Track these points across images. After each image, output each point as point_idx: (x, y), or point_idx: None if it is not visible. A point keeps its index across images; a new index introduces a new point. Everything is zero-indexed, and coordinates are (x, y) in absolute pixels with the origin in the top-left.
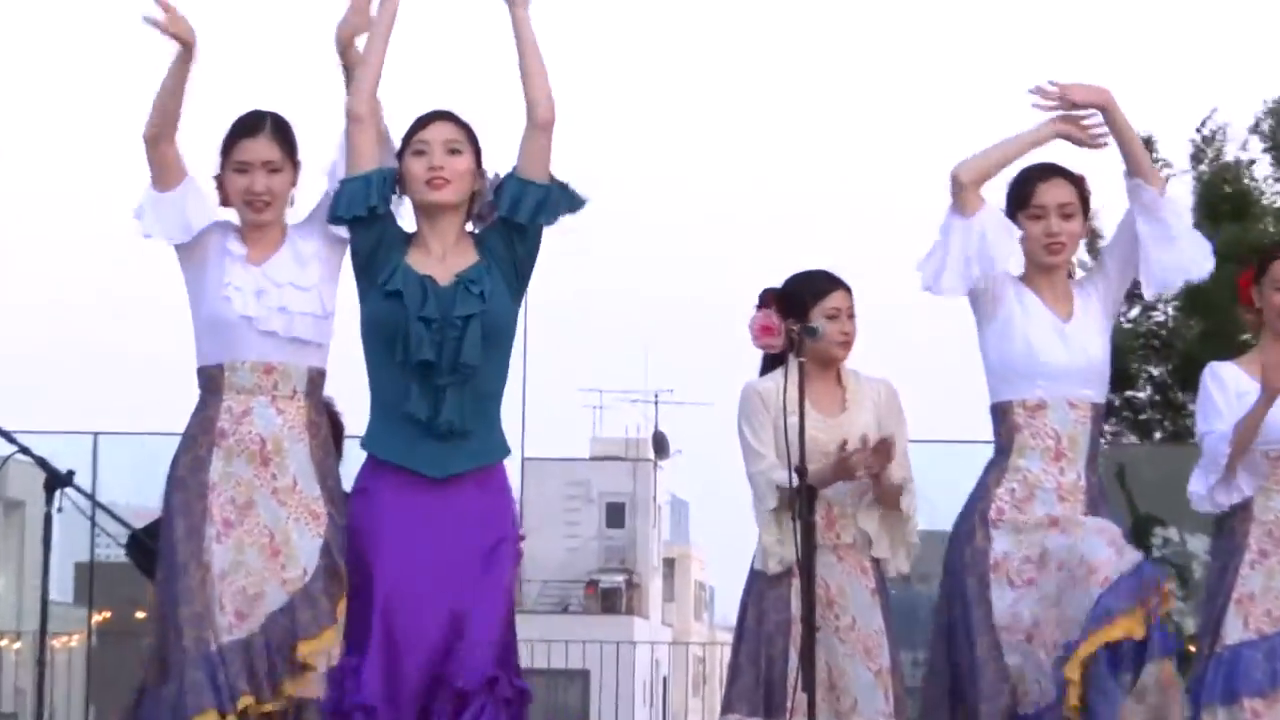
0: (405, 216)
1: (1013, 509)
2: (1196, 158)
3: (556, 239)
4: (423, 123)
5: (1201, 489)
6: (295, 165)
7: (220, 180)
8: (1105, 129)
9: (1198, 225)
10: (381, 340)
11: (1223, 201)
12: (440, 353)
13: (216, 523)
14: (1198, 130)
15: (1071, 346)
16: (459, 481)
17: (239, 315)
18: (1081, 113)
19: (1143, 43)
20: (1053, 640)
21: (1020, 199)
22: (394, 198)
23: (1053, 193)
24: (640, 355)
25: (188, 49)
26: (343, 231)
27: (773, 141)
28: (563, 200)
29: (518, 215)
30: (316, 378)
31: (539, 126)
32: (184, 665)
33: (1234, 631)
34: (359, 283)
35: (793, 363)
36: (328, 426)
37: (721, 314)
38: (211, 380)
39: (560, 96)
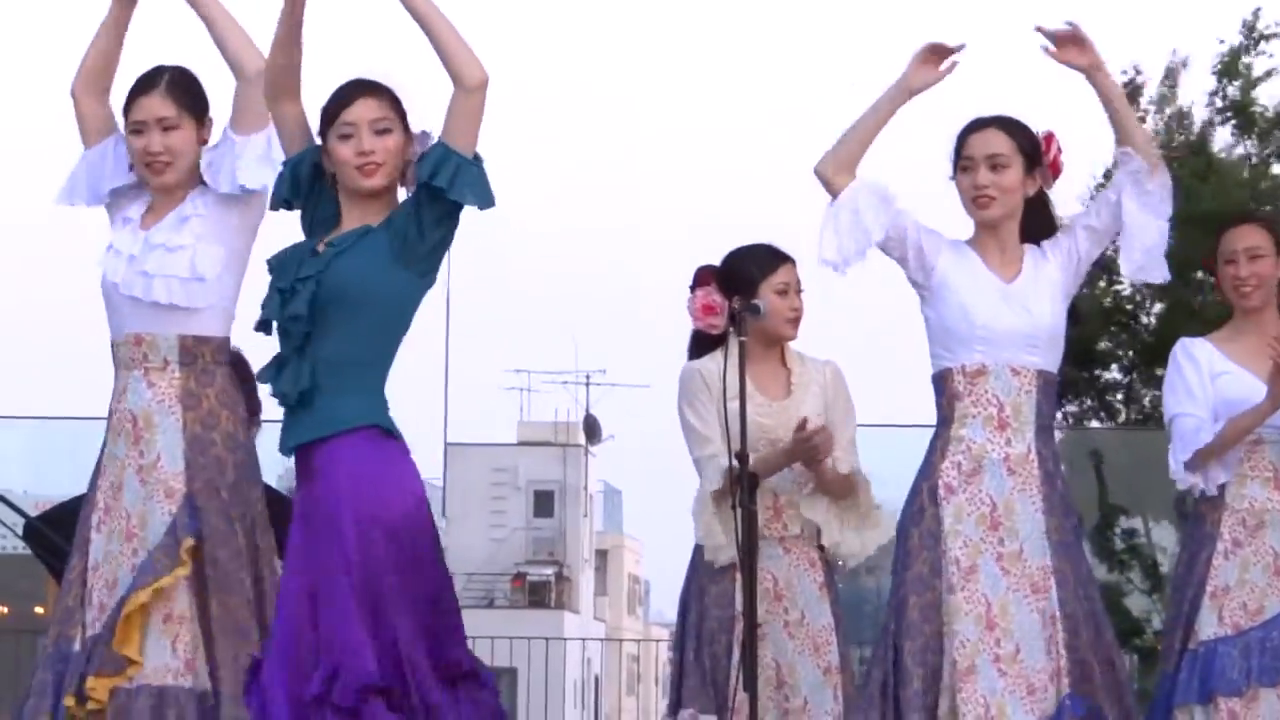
0: None
1: (961, 483)
2: (1159, 105)
3: (485, 217)
4: (345, 100)
5: (1180, 471)
6: (200, 121)
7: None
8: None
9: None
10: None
11: (1179, 160)
12: (291, 321)
13: (99, 509)
14: (1164, 81)
15: (1013, 309)
16: (308, 453)
17: (110, 282)
18: (947, 59)
19: None
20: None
21: (955, 154)
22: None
23: (980, 143)
24: (570, 334)
25: None
26: (251, 182)
27: (706, 107)
28: (479, 182)
29: (436, 180)
30: (192, 345)
31: (471, 89)
32: (37, 665)
33: (1208, 626)
34: None
35: (733, 342)
36: (219, 397)
37: (656, 291)
38: (114, 359)
39: (490, 65)
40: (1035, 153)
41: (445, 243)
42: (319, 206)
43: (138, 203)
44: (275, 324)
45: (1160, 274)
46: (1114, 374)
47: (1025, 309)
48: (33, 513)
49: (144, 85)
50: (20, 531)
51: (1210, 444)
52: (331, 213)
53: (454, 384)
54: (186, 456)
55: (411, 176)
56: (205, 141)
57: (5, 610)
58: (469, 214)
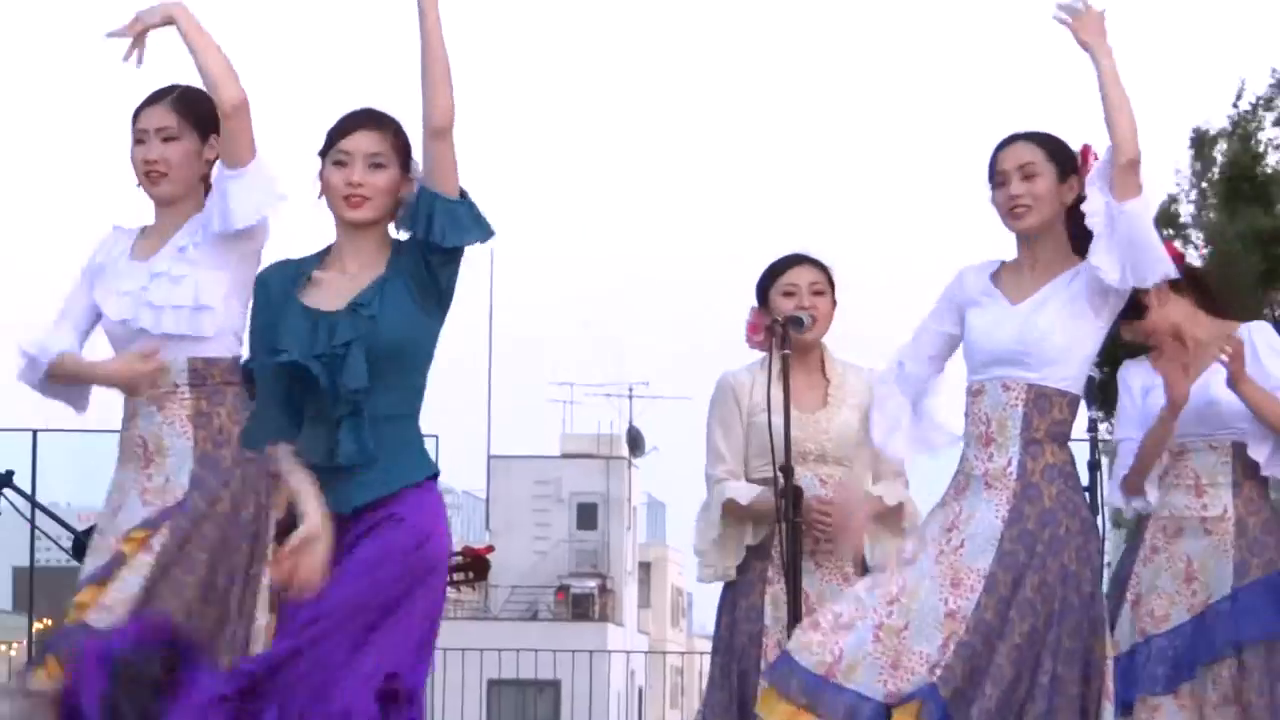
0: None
1: (951, 499)
2: (1234, 132)
3: (522, 221)
4: (345, 129)
5: (1116, 495)
6: (204, 138)
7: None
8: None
9: (1219, 207)
10: (281, 389)
11: (1245, 183)
12: (329, 386)
13: (108, 535)
14: (1234, 105)
15: (1009, 328)
16: (367, 515)
17: (115, 322)
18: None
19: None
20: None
21: (989, 174)
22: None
23: (1010, 156)
24: (614, 347)
25: (173, 20)
26: (240, 220)
27: (756, 122)
28: (474, 220)
29: (432, 235)
30: (202, 366)
31: (437, 132)
32: None
33: (1124, 636)
34: None
35: (773, 355)
36: (230, 415)
37: (700, 302)
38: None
39: (531, 81)
40: (1068, 160)
41: (456, 280)
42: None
43: (116, 249)
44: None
45: (1156, 273)
46: None
47: (1030, 328)
48: (77, 524)
49: (151, 98)
50: (64, 545)
51: (1132, 465)
52: (288, 284)
53: (497, 396)
54: (193, 473)
55: (403, 214)
56: (211, 161)
57: (51, 622)
58: (511, 228)
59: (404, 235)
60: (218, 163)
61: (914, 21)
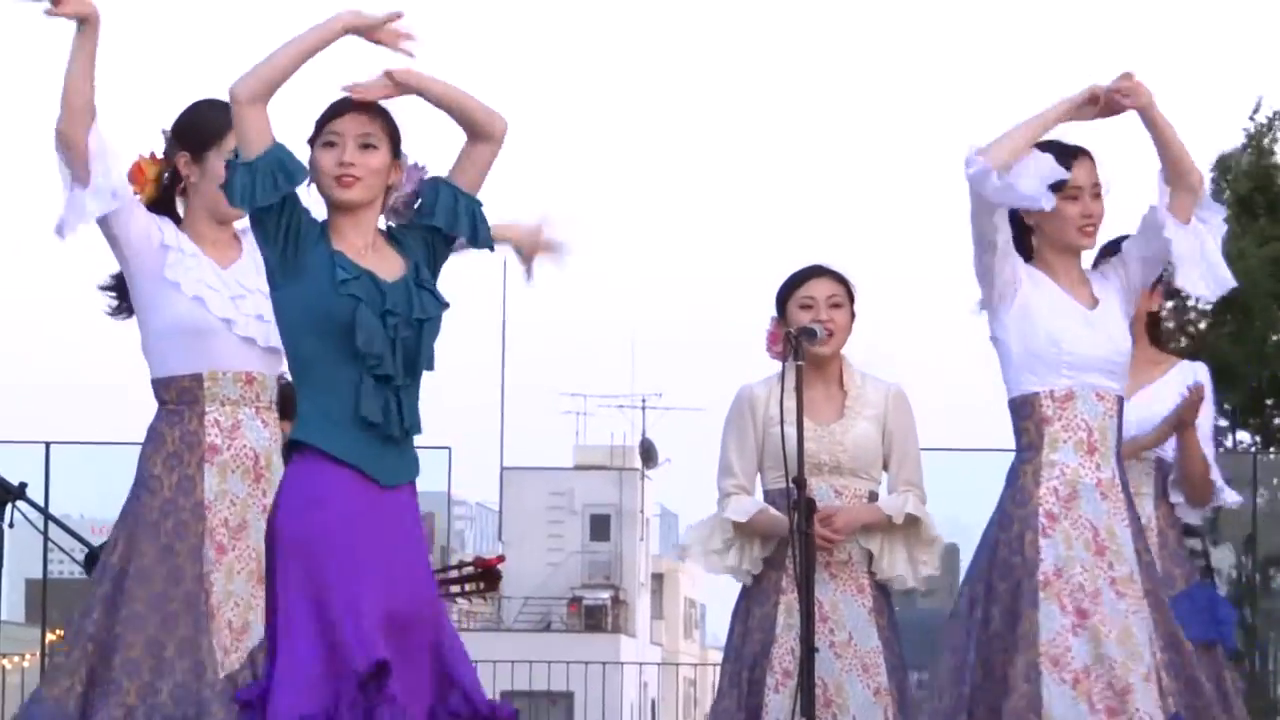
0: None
1: (1062, 512)
2: (1251, 145)
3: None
4: (335, 111)
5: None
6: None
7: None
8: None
9: (1231, 219)
10: (331, 334)
11: (1260, 194)
12: (395, 352)
13: (212, 546)
14: (1250, 118)
15: (1097, 335)
16: (402, 490)
17: (218, 318)
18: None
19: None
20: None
21: (1052, 187)
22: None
23: (1086, 173)
24: (626, 358)
25: (87, 22)
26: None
27: (776, 129)
28: (488, 227)
29: (457, 228)
30: (285, 389)
31: (499, 138)
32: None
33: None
34: (278, 271)
35: (788, 367)
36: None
37: (714, 313)
38: (185, 392)
39: (541, 94)
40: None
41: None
42: (296, 212)
43: (168, 231)
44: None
45: (1221, 285)
46: None
47: (1108, 335)
48: (89, 536)
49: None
50: (77, 558)
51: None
52: (314, 235)
53: (510, 408)
54: None
55: (395, 206)
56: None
57: (64, 634)
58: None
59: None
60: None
61: (942, 28)
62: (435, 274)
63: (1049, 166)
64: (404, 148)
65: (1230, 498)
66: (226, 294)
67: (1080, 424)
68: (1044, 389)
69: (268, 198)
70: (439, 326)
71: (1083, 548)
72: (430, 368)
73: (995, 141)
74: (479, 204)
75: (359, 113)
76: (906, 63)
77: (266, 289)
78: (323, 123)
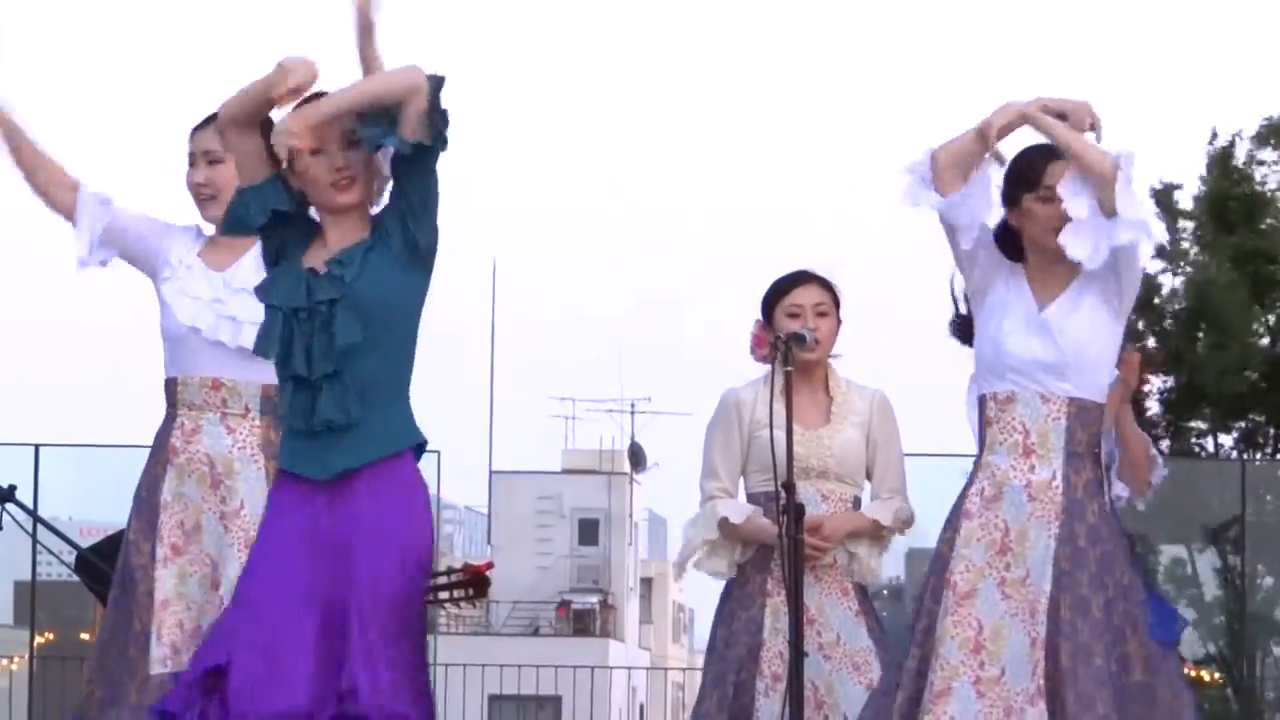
0: None
1: (979, 511)
2: (1215, 168)
3: (524, 235)
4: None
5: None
6: None
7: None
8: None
9: (1209, 231)
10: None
11: (1232, 203)
12: (310, 343)
13: (165, 545)
14: (1209, 144)
15: (1042, 337)
16: (351, 480)
17: (186, 326)
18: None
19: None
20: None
21: (1028, 180)
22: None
23: (1057, 174)
24: (614, 361)
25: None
26: None
27: (761, 133)
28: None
29: (384, 143)
30: (273, 394)
31: (414, 98)
32: (94, 686)
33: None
34: None
35: (777, 371)
36: None
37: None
38: (169, 394)
39: (534, 90)
40: None
41: (434, 238)
42: (288, 235)
43: (184, 244)
44: (275, 350)
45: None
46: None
47: (1054, 337)
48: (78, 538)
49: (203, 121)
50: (66, 559)
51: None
52: (301, 239)
53: (499, 412)
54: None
55: (379, 189)
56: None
57: (52, 636)
58: (513, 242)
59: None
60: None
61: (933, 28)
62: (416, 232)
63: (980, 201)
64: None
65: (1161, 472)
66: (207, 298)
67: (1017, 426)
68: (988, 391)
69: (245, 227)
70: (364, 304)
71: (983, 547)
72: (347, 340)
73: (937, 152)
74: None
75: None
76: (892, 65)
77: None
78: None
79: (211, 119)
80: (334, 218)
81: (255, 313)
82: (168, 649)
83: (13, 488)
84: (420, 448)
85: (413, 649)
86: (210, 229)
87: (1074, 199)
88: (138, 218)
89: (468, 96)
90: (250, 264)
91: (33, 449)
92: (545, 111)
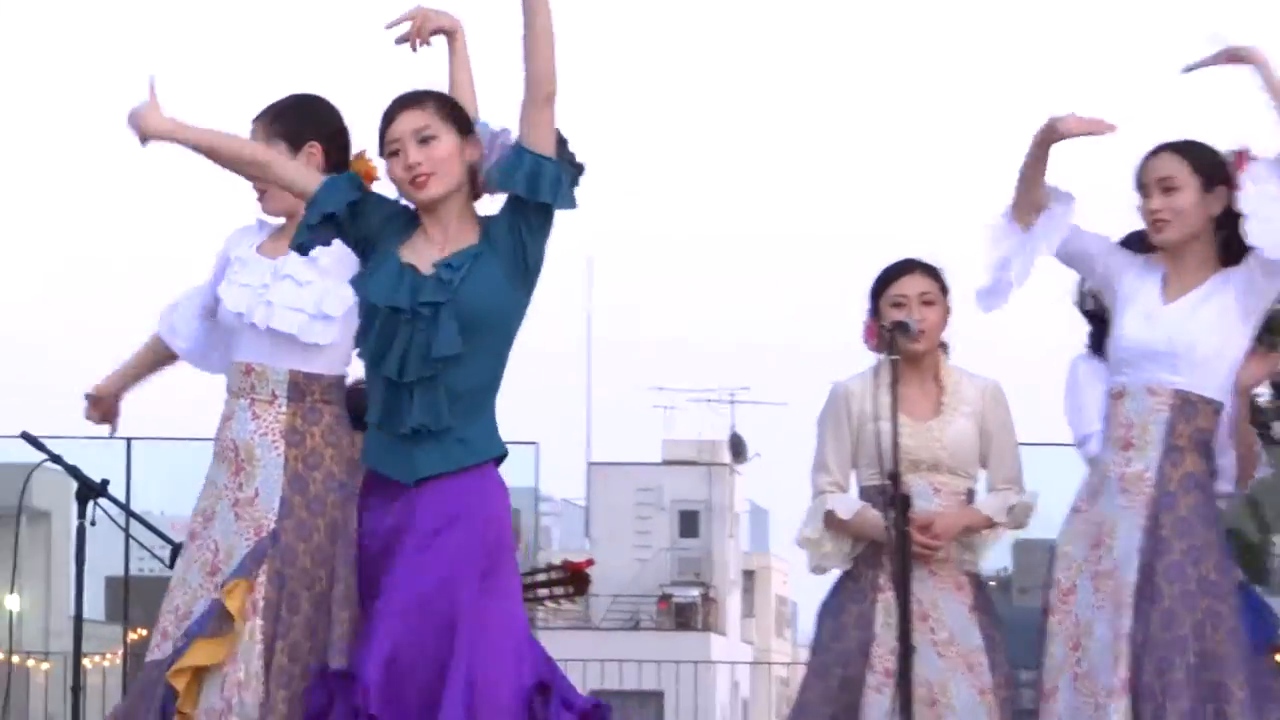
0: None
1: (1085, 507)
2: None
3: (625, 225)
4: (388, 118)
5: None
6: (296, 146)
7: None
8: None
9: None
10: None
11: None
12: (408, 347)
13: (187, 532)
14: None
15: (1158, 329)
16: (433, 486)
17: (233, 313)
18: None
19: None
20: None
21: (1136, 187)
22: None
23: (1153, 168)
24: (714, 351)
25: (453, 35)
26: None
27: (862, 118)
28: (568, 184)
29: (539, 195)
30: (302, 382)
31: (537, 101)
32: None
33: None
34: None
35: (884, 361)
36: (325, 435)
37: (803, 305)
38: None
39: (634, 74)
40: (1214, 171)
41: (543, 255)
42: (374, 227)
43: (241, 244)
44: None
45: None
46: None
47: (1179, 330)
48: (171, 533)
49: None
50: (159, 554)
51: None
52: (396, 230)
53: (596, 402)
54: (284, 494)
55: (483, 181)
56: (317, 165)
57: (146, 632)
58: (607, 232)
59: (494, 208)
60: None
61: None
62: (527, 248)
63: (1054, 222)
64: (482, 120)
65: (1265, 470)
66: (256, 285)
67: (1123, 421)
68: (1108, 386)
69: (310, 238)
70: (468, 312)
71: (1083, 542)
72: (447, 352)
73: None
74: (544, 158)
75: (408, 110)
76: (1005, 54)
77: (301, 275)
78: (382, 135)
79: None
80: (432, 214)
81: (293, 298)
82: (158, 636)
83: (105, 482)
84: (501, 459)
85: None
86: (277, 222)
87: (1261, 186)
88: (195, 297)
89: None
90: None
91: (125, 442)
92: (644, 96)
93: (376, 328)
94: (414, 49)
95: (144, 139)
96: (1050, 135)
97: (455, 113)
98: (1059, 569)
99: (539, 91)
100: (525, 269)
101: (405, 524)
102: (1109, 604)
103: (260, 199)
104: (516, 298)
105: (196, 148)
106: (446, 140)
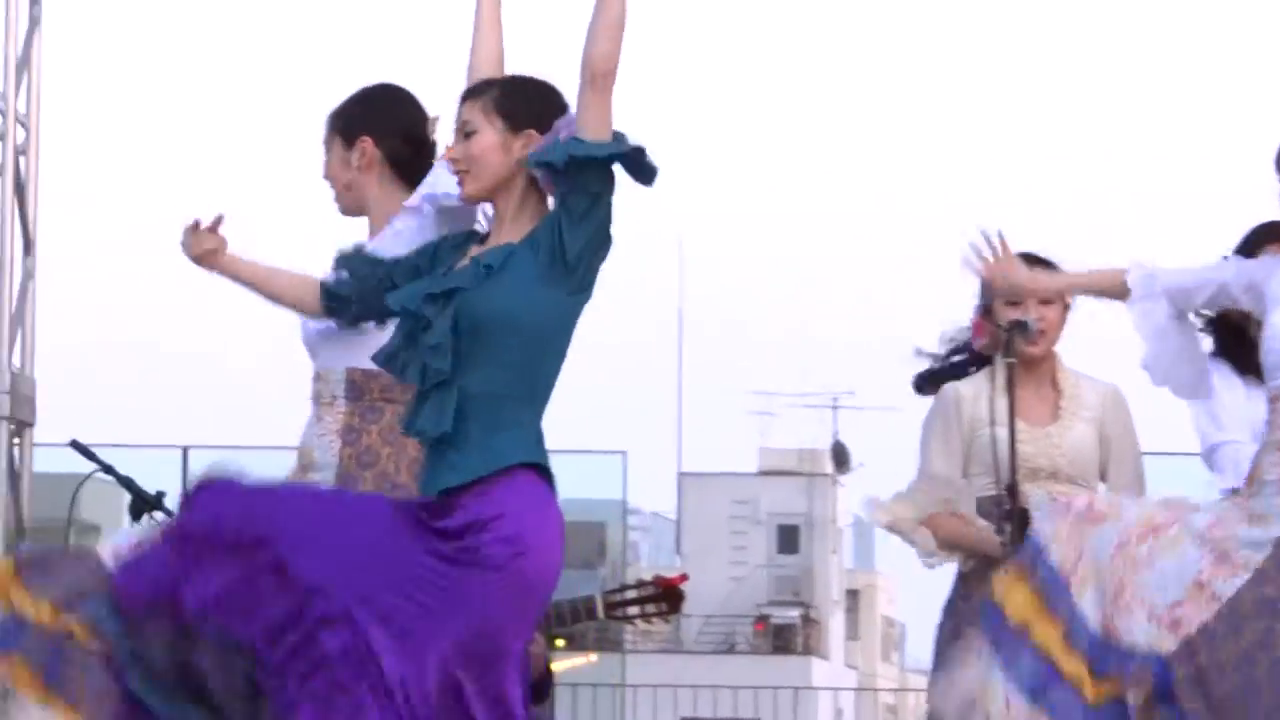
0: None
1: (1245, 494)
2: None
3: (714, 217)
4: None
5: None
6: (349, 142)
7: None
8: None
9: None
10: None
11: None
12: (419, 356)
13: None
14: None
15: None
16: (458, 498)
17: (301, 322)
18: None
19: None
20: None
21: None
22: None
23: None
24: (815, 353)
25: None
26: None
27: (973, 113)
28: (628, 164)
29: (560, 160)
30: (360, 380)
31: (591, 79)
32: None
33: None
34: None
35: (999, 364)
36: (382, 434)
37: (910, 303)
38: None
39: (740, 69)
40: None
41: (594, 247)
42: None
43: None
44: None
45: None
46: None
47: None
48: None
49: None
50: None
51: None
52: (447, 253)
53: (688, 408)
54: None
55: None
56: (378, 156)
57: None
58: (702, 224)
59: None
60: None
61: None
62: (564, 232)
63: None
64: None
65: None
66: None
67: (1277, 423)
68: (1268, 390)
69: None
70: (473, 311)
71: (1224, 509)
72: (437, 339)
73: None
74: (580, 140)
75: (462, 103)
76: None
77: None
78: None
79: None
80: (497, 217)
81: None
82: None
83: (161, 495)
84: (534, 467)
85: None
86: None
87: None
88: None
89: (655, 71)
90: (386, 239)
91: (180, 451)
92: (750, 85)
93: (396, 336)
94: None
95: (196, 261)
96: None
97: (505, 106)
98: (1199, 506)
99: (589, 71)
100: (565, 265)
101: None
102: (1212, 546)
103: (336, 199)
104: (551, 297)
105: (236, 278)
106: (486, 134)
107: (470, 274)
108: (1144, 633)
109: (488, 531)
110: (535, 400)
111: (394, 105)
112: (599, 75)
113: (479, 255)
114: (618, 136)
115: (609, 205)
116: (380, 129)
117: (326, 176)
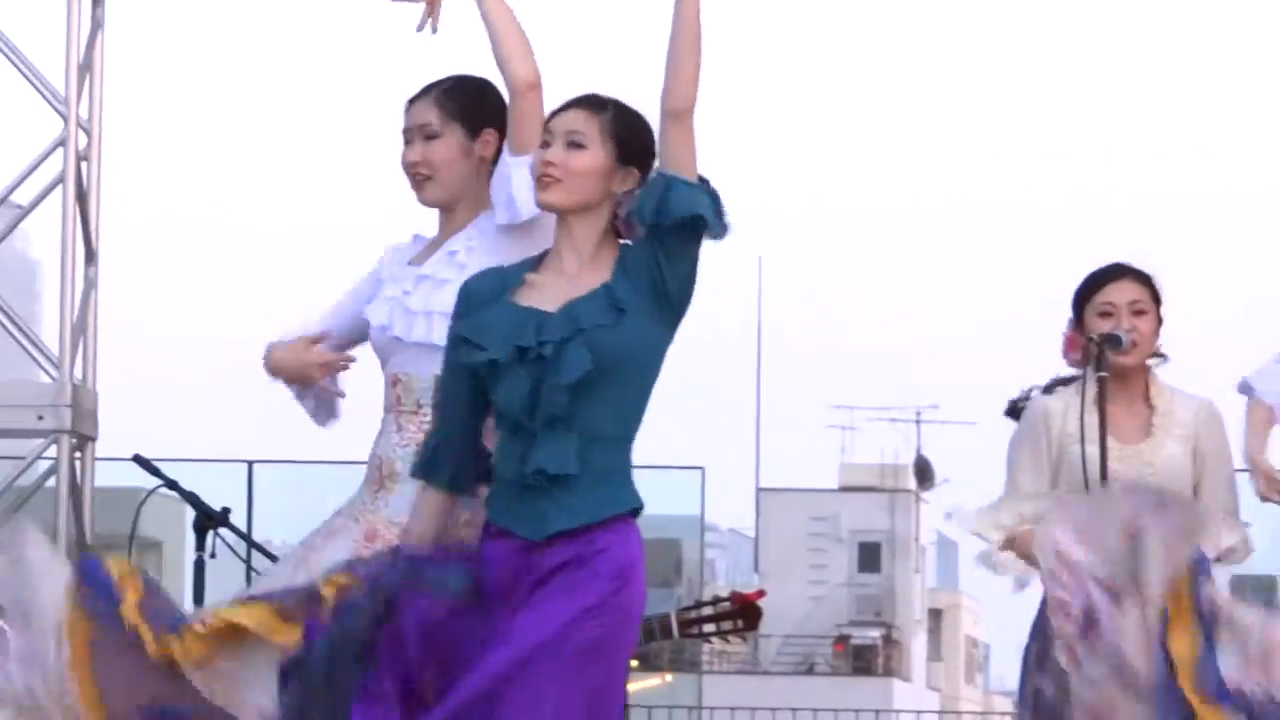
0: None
1: None
2: None
3: (793, 228)
4: (560, 109)
5: None
6: (470, 130)
7: None
8: None
9: None
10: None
11: None
12: (537, 385)
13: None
14: None
15: None
16: (561, 543)
17: (374, 329)
18: None
19: None
20: None
21: None
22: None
23: None
24: (898, 364)
25: None
26: (525, 209)
27: (1060, 118)
28: (709, 203)
29: (666, 215)
30: None
31: (672, 114)
32: None
33: None
34: None
35: (1090, 378)
36: None
37: (997, 314)
38: None
39: (817, 80)
40: None
41: (692, 281)
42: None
43: (397, 259)
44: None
45: None
46: None
47: None
48: None
49: (417, 93)
50: None
51: None
52: (484, 298)
53: (767, 422)
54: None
55: (622, 219)
56: (485, 158)
57: None
58: (781, 236)
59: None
60: (503, 152)
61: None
62: (665, 276)
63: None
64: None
65: None
66: (399, 295)
67: None
68: None
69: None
70: (600, 349)
71: None
72: (580, 368)
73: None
74: (676, 180)
75: (580, 109)
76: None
77: (441, 274)
78: (547, 121)
79: (428, 89)
80: (563, 230)
81: (435, 302)
82: None
83: (227, 511)
84: (636, 512)
85: None
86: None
87: None
88: (335, 314)
89: (736, 83)
90: (441, 256)
91: (246, 466)
92: (831, 97)
93: (501, 375)
94: (434, 30)
95: (273, 374)
96: None
97: (625, 137)
98: None
99: (667, 104)
100: (667, 302)
101: (527, 573)
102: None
103: (424, 186)
104: (655, 334)
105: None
106: (594, 154)
107: (599, 310)
108: None
109: (585, 568)
110: (633, 438)
111: (504, 104)
112: (683, 112)
113: (576, 298)
114: (701, 180)
115: (701, 241)
116: (501, 125)
117: (423, 161)
